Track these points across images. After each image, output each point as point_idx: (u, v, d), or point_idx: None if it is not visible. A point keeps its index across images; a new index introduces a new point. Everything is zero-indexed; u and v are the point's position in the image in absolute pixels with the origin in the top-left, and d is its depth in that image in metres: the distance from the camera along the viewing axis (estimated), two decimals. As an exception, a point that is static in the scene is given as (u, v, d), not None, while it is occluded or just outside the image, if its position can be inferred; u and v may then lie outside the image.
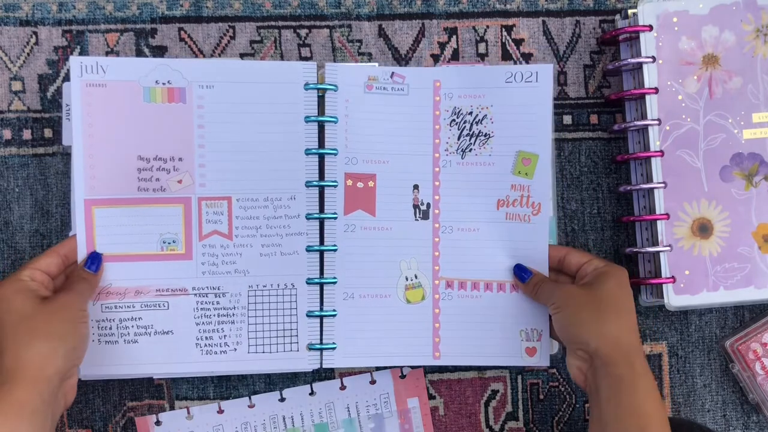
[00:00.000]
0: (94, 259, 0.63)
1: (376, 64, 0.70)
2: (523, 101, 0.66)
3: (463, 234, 0.67)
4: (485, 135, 0.67)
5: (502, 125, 0.67)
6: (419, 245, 0.67)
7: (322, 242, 0.67)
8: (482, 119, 0.67)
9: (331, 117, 0.66)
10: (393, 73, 0.67)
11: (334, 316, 0.66)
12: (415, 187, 0.67)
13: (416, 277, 0.67)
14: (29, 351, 0.54)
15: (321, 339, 0.66)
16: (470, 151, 0.67)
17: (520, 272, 0.66)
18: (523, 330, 0.67)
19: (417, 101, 0.67)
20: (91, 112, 0.64)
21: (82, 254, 0.64)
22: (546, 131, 0.66)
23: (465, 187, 0.67)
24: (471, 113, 0.67)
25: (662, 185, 0.66)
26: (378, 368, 0.70)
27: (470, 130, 0.67)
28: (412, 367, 0.70)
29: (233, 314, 0.65)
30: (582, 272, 0.63)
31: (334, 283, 0.66)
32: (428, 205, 0.67)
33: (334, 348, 0.66)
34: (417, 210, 0.67)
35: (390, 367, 0.70)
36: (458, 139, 0.67)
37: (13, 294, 0.57)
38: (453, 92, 0.67)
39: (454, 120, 0.67)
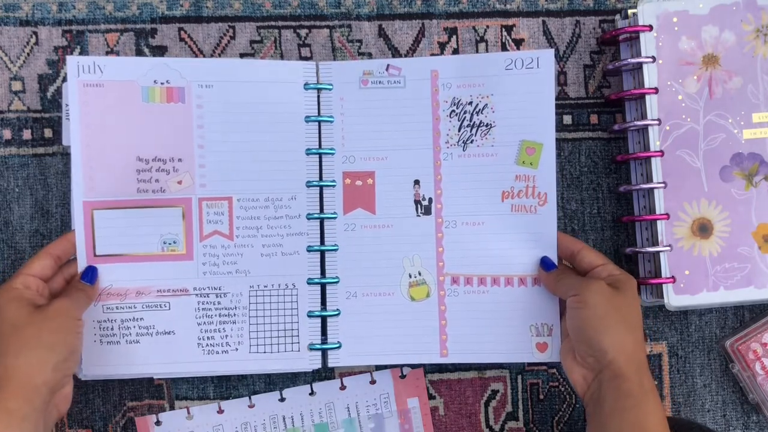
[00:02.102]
0: (91, 273, 0.63)
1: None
2: (524, 88, 0.65)
3: (467, 228, 0.67)
4: (486, 125, 0.66)
5: (503, 114, 0.66)
6: (422, 241, 0.67)
7: (323, 242, 0.67)
8: (483, 109, 0.66)
9: (327, 117, 0.66)
10: (388, 65, 0.66)
11: (337, 315, 0.66)
12: (416, 182, 0.67)
13: (420, 274, 0.67)
14: (18, 360, 0.54)
15: (324, 339, 0.66)
16: (472, 142, 0.66)
17: (546, 262, 0.65)
18: (533, 325, 0.66)
19: (414, 93, 0.66)
20: (88, 113, 0.63)
21: (81, 259, 0.64)
22: (549, 119, 0.65)
23: (468, 179, 0.66)
24: (471, 103, 0.66)
25: (662, 185, 0.66)
26: (378, 368, 0.70)
27: (471, 121, 0.66)
28: (414, 366, 0.70)
29: (234, 314, 0.65)
30: (595, 274, 0.62)
31: (336, 282, 0.66)
32: (430, 200, 0.67)
33: (338, 347, 0.66)
34: (419, 205, 0.67)
35: (390, 367, 0.70)
36: (459, 130, 0.66)
37: (5, 303, 0.57)
38: (451, 82, 0.66)
39: (453, 111, 0.66)
